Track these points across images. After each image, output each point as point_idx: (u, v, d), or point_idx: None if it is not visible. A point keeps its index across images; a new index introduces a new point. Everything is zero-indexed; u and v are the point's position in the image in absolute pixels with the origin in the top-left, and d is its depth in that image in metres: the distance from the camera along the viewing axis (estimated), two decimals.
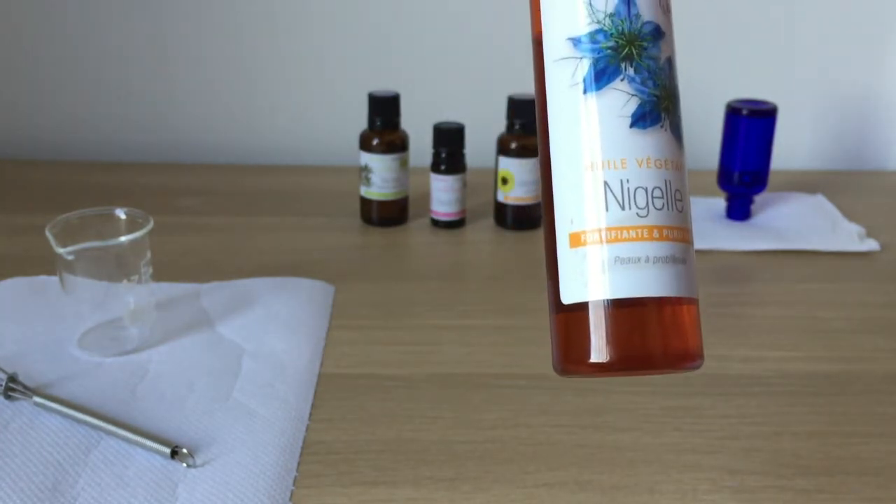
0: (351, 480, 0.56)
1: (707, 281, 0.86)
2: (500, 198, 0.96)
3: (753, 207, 1.01)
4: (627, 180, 0.36)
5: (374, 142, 0.94)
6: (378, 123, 0.94)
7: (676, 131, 0.37)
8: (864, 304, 0.82)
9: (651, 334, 0.36)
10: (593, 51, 0.36)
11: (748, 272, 0.89)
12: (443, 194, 0.95)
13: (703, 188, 1.05)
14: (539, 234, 0.96)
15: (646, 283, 0.35)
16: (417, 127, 0.99)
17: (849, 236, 0.95)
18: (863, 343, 0.75)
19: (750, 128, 0.95)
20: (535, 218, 0.97)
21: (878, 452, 0.60)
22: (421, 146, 0.99)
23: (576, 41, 0.36)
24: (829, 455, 0.60)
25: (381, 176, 0.94)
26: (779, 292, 0.85)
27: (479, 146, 1.03)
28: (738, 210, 0.99)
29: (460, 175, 0.95)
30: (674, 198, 0.36)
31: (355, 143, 0.97)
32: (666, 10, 0.37)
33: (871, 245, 0.94)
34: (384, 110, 0.94)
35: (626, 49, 0.36)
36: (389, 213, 0.97)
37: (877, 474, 0.58)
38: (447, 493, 0.55)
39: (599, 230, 0.36)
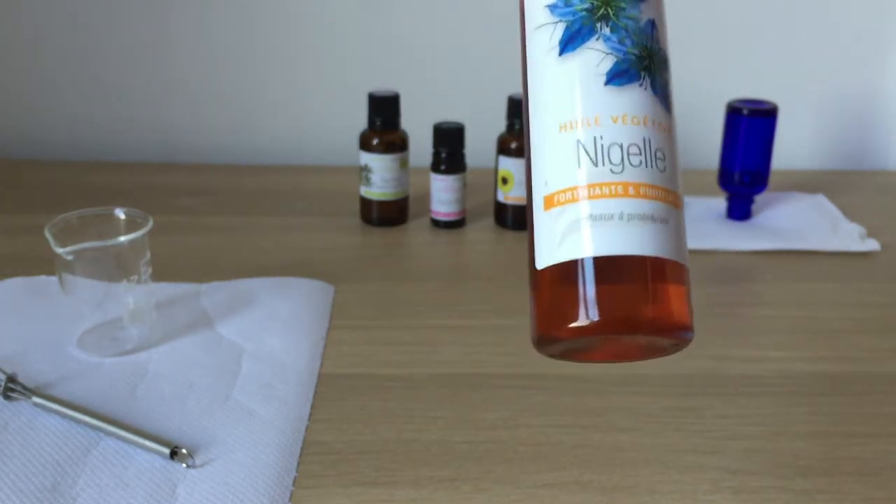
0: (351, 480, 0.56)
1: (707, 281, 0.86)
2: (500, 198, 0.96)
3: (754, 207, 1.00)
4: (601, 137, 0.34)
5: (374, 142, 0.94)
6: (378, 123, 0.94)
7: (659, 92, 0.36)
8: (864, 304, 0.82)
9: (631, 295, 0.34)
10: (568, 14, 0.35)
11: (748, 272, 0.89)
12: (443, 194, 0.95)
13: (703, 188, 1.04)
14: None
15: (622, 240, 0.34)
16: (417, 127, 0.99)
17: (849, 236, 0.95)
18: (863, 343, 0.75)
19: (750, 128, 0.95)
20: None
21: (878, 452, 0.60)
22: (421, 146, 0.99)
23: (552, 7, 0.36)
24: (829, 455, 0.60)
25: (381, 176, 0.94)
26: (779, 292, 0.85)
27: (479, 146, 1.03)
28: (739, 210, 0.99)
29: (460, 175, 0.95)
30: (654, 156, 0.35)
31: (355, 143, 0.97)
32: None
33: (872, 245, 0.93)
34: (384, 110, 0.94)
35: (602, 10, 0.35)
36: (389, 213, 0.97)
37: (877, 474, 0.58)
38: (447, 493, 0.55)
39: (573, 188, 0.34)
